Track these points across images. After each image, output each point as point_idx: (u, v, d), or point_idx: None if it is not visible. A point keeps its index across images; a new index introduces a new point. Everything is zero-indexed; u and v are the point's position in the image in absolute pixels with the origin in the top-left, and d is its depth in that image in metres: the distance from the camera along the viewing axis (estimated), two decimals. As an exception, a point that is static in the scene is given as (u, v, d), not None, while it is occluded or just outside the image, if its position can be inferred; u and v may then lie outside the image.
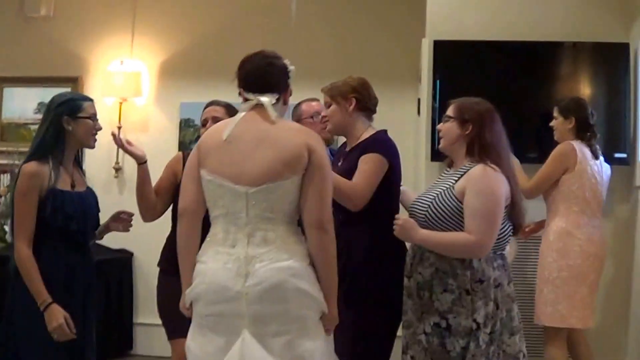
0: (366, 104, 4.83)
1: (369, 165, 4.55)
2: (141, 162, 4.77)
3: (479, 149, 4.22)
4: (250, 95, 3.85)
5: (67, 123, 4.38)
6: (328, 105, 4.83)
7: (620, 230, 6.44)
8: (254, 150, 3.74)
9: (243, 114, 3.85)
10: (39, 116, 8.06)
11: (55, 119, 4.38)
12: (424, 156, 6.50)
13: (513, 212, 4.26)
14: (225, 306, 3.67)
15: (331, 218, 3.75)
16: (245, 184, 3.70)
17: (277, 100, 3.88)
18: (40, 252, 4.29)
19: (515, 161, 4.96)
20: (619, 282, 6.36)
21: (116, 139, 4.73)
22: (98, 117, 4.57)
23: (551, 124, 5.78)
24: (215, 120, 4.87)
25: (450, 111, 4.42)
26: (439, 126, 4.52)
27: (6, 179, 8.01)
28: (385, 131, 4.85)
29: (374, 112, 4.91)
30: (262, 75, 3.88)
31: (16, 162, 7.69)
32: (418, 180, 6.75)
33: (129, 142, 4.77)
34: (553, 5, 6.44)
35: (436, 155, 6.33)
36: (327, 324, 3.80)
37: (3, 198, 7.77)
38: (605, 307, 6.28)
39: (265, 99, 3.82)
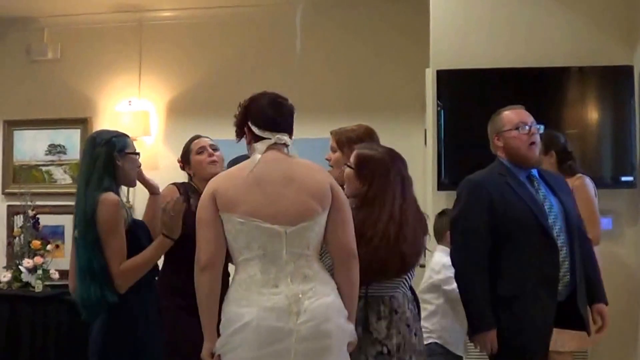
0: None
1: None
2: (155, 192, 4.68)
3: None
4: (267, 134, 3.80)
5: (117, 159, 4.28)
6: (334, 150, 4.78)
7: (628, 253, 6.30)
8: (285, 189, 3.71)
9: (260, 154, 3.78)
10: (50, 157, 8.26)
11: (107, 155, 4.26)
12: (431, 186, 6.38)
13: None
14: (276, 346, 3.57)
15: (355, 247, 3.77)
16: (283, 224, 3.65)
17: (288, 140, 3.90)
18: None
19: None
20: (629, 306, 6.19)
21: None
22: None
23: None
24: (212, 147, 5.00)
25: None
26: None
27: (19, 220, 7.91)
28: None
29: None
30: (279, 115, 3.87)
31: (28, 203, 7.70)
32: (426, 209, 6.57)
33: None
34: (556, 31, 6.32)
35: (443, 185, 6.27)
36: (350, 348, 3.85)
37: (17, 239, 7.72)
38: (615, 331, 6.12)
39: (287, 138, 3.84)
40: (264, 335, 3.57)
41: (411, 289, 4.34)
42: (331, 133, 4.86)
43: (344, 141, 4.74)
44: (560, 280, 4.31)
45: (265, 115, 3.83)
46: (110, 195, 4.18)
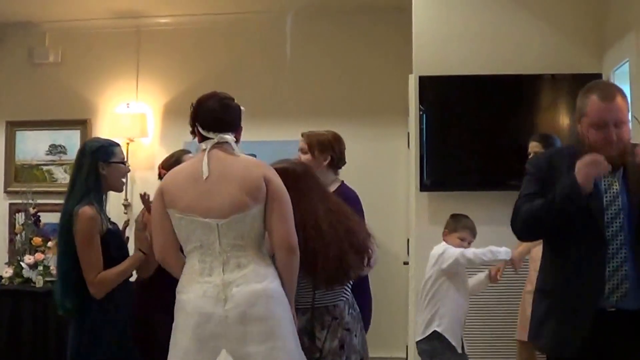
0: (337, 163, 4.98)
1: None
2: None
3: None
4: (210, 134, 3.91)
5: (102, 168, 4.45)
6: (304, 152, 4.89)
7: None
8: (219, 185, 3.82)
9: (204, 152, 3.89)
10: (51, 157, 8.35)
11: (92, 165, 4.44)
12: (414, 187, 6.44)
13: None
14: (209, 331, 3.73)
15: (294, 239, 3.81)
16: (215, 217, 3.78)
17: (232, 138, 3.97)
18: None
19: None
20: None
21: (144, 199, 4.72)
22: None
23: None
24: None
25: None
26: None
27: (21, 217, 7.96)
28: (344, 184, 4.96)
29: (340, 168, 5.03)
30: (222, 116, 3.96)
31: (30, 201, 7.79)
32: (409, 209, 6.71)
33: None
34: (531, 41, 6.39)
35: (425, 186, 6.35)
36: None
37: (18, 236, 7.78)
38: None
39: (229, 137, 3.92)
40: (196, 320, 3.75)
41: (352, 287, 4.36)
42: (302, 135, 4.99)
43: (314, 144, 4.90)
44: (618, 287, 3.69)
45: (210, 117, 3.94)
46: (86, 209, 4.33)
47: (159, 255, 3.99)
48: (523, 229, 3.97)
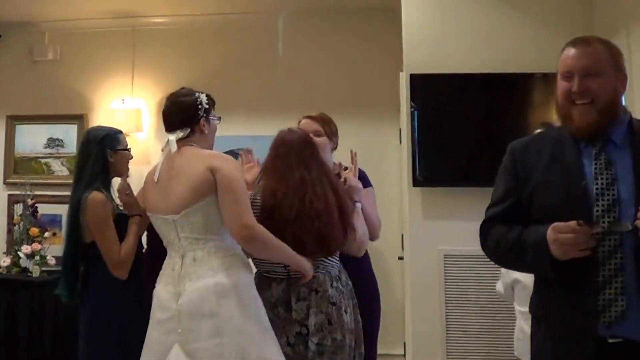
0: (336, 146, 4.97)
1: (373, 200, 4.86)
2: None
3: None
4: (168, 135, 4.01)
5: (109, 156, 4.51)
6: (318, 135, 4.75)
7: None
8: (171, 182, 3.89)
9: (165, 154, 4.02)
10: (49, 150, 8.33)
11: (99, 153, 4.49)
12: (407, 182, 6.41)
13: None
14: (166, 324, 3.77)
15: (252, 222, 3.75)
16: (171, 213, 3.86)
17: (191, 133, 4.00)
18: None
19: None
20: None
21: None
22: None
23: None
24: None
25: None
26: None
27: (19, 208, 7.96)
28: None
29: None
30: (169, 116, 4.06)
31: (28, 192, 7.79)
32: (403, 204, 6.69)
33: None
34: (522, 39, 6.38)
35: (417, 181, 6.31)
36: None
37: (16, 227, 7.78)
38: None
39: (171, 137, 3.97)
40: (158, 313, 3.85)
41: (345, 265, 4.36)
42: (311, 118, 4.87)
43: (329, 132, 4.85)
44: (611, 304, 2.90)
45: (163, 118, 4.09)
46: (96, 195, 4.37)
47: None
48: (495, 261, 3.33)
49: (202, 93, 4.11)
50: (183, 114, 4.01)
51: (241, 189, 3.80)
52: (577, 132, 3.11)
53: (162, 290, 3.85)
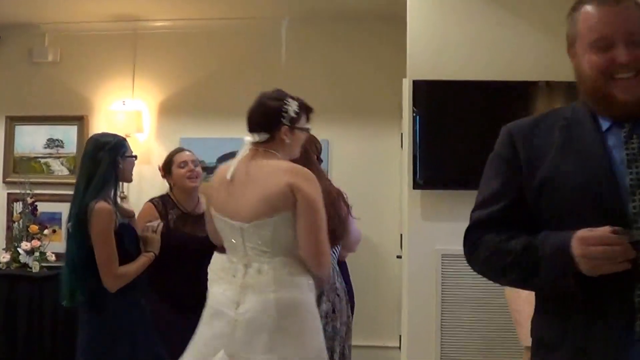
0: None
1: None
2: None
3: None
4: (248, 136, 3.82)
5: (119, 163, 4.54)
6: None
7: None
8: (245, 188, 3.68)
9: (242, 153, 3.81)
10: (49, 150, 8.31)
11: (112, 160, 4.51)
12: (407, 185, 6.40)
13: None
14: (221, 329, 3.63)
15: (324, 251, 3.63)
16: (239, 220, 3.66)
17: (270, 139, 3.78)
18: None
19: None
20: None
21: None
22: None
23: None
24: (194, 163, 5.26)
25: None
26: None
27: (18, 206, 7.98)
28: None
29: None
30: (251, 116, 3.86)
31: (27, 191, 7.80)
32: (402, 205, 6.69)
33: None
34: (525, 48, 6.37)
35: (417, 184, 6.30)
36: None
37: (16, 224, 7.79)
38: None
39: (248, 138, 3.81)
40: (212, 314, 3.71)
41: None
42: None
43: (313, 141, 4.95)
44: None
45: (247, 118, 3.87)
46: (103, 205, 4.39)
47: (211, 237, 4.10)
48: (487, 276, 2.70)
49: (293, 99, 3.89)
50: (264, 118, 3.81)
51: (321, 212, 3.63)
52: (620, 111, 2.40)
53: (219, 294, 3.70)
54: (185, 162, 5.20)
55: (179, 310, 4.96)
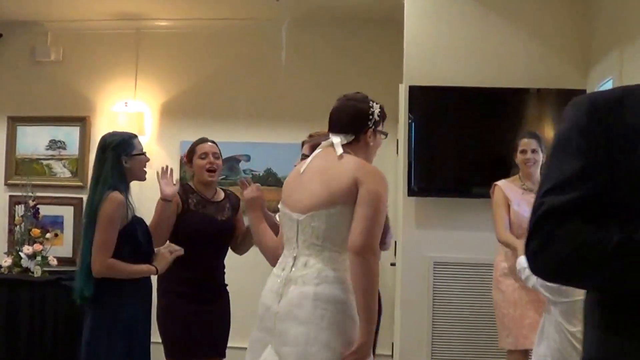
0: None
1: None
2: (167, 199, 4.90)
3: None
4: (330, 135, 3.75)
5: (124, 161, 4.52)
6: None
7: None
8: (311, 181, 3.66)
9: (319, 150, 3.78)
10: (51, 152, 8.27)
11: (115, 160, 4.49)
12: (402, 192, 6.42)
13: None
14: (266, 323, 3.64)
15: (373, 248, 3.47)
16: (298, 212, 3.64)
17: (355, 141, 3.73)
18: None
19: None
20: None
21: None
22: None
23: (535, 157, 5.59)
24: (215, 155, 5.15)
25: None
26: None
27: (20, 209, 7.88)
28: None
29: None
30: (338, 117, 3.77)
31: (29, 194, 7.73)
32: (397, 212, 6.69)
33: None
34: (518, 55, 6.40)
35: (412, 191, 6.34)
36: (353, 354, 3.48)
37: (18, 227, 7.70)
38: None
39: (336, 139, 3.70)
40: (261, 311, 3.69)
41: None
42: (304, 142, 4.73)
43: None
44: None
45: (330, 117, 3.79)
46: (117, 194, 4.39)
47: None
48: (561, 274, 1.99)
49: (376, 103, 3.81)
50: (353, 119, 3.75)
51: (383, 208, 3.54)
52: None
53: (267, 290, 3.70)
54: (206, 154, 5.13)
55: (199, 294, 5.02)
